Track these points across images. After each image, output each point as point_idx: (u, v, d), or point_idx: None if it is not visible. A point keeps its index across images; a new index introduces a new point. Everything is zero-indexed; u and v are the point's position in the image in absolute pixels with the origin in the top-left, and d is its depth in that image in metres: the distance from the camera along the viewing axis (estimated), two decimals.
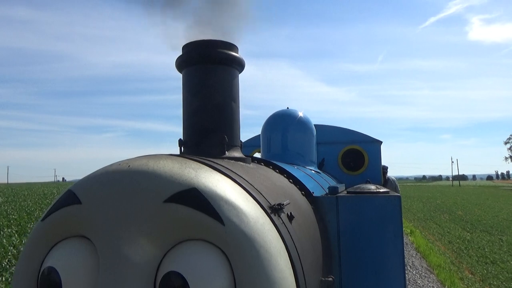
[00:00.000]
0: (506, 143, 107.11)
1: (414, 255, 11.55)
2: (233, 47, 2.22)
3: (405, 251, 11.89)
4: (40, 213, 17.16)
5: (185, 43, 2.22)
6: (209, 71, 2.14)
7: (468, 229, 17.09)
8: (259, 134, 4.53)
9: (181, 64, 2.20)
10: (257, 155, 5.01)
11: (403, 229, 16.27)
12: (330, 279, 1.98)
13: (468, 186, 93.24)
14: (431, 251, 11.91)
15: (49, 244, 1.50)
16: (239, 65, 2.25)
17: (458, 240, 14.25)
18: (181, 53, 2.22)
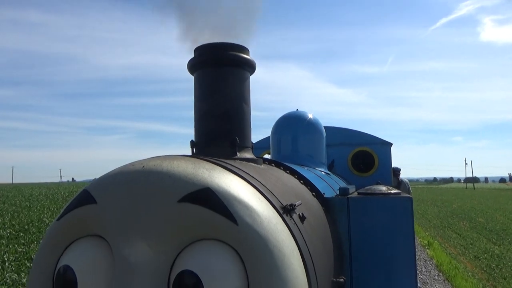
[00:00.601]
0: None
1: (436, 276, 9.45)
2: (244, 49, 2.23)
3: (425, 271, 9.17)
4: None
5: (196, 46, 2.23)
6: (220, 73, 2.17)
7: (494, 240, 14.99)
8: (269, 136, 4.50)
9: (193, 66, 2.22)
10: (267, 156, 4.84)
11: (419, 240, 13.25)
12: (342, 279, 1.98)
13: (483, 189, 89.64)
14: (457, 270, 9.79)
15: (64, 243, 1.52)
16: (250, 67, 2.26)
17: (485, 255, 12.16)
18: (192, 56, 2.24)
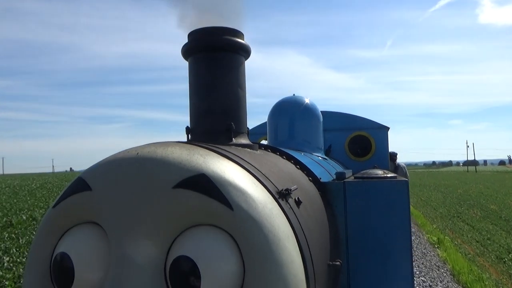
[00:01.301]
0: None
1: None
2: (238, 33, 2.21)
3: (440, 286, 7.43)
4: None
5: (190, 30, 2.21)
6: (215, 59, 2.15)
7: None
8: (266, 122, 4.47)
9: (186, 52, 2.20)
10: (264, 142, 4.73)
11: (427, 236, 11.98)
12: (338, 263, 2.01)
13: (485, 172, 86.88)
14: (479, 279, 7.40)
15: (60, 230, 1.53)
16: (245, 51, 2.24)
17: (510, 255, 9.73)
18: (186, 41, 2.22)
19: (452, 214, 17.08)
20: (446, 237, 11.74)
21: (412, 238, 7.93)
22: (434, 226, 13.73)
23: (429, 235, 11.93)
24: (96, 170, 1.52)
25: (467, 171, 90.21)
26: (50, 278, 1.50)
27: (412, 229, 11.62)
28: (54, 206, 1.55)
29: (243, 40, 2.22)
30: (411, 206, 17.82)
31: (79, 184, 1.50)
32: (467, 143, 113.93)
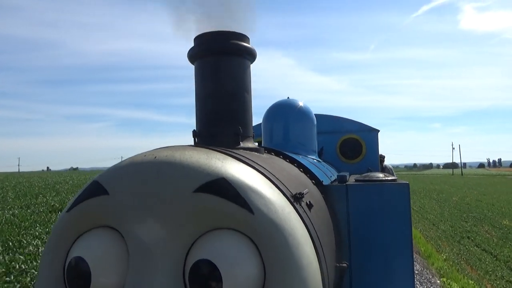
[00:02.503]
0: None
1: None
2: (244, 37, 2.20)
3: None
4: None
5: (196, 34, 2.21)
6: (221, 62, 2.14)
7: None
8: (259, 124, 4.50)
9: (193, 56, 2.19)
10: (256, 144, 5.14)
11: (434, 271, 9.11)
12: (345, 264, 2.04)
13: (471, 175, 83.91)
14: None
15: (75, 234, 1.51)
16: (251, 55, 2.24)
17: None
18: (192, 45, 2.21)
19: (459, 233, 13.34)
20: (454, 270, 8.10)
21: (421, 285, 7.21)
22: (444, 256, 9.84)
23: (437, 270, 8.15)
24: (113, 174, 1.51)
25: (452, 174, 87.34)
26: (64, 283, 1.48)
27: (416, 264, 8.66)
28: (68, 210, 1.53)
29: (249, 43, 2.22)
30: None
31: (95, 188, 1.48)
32: (452, 145, 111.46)
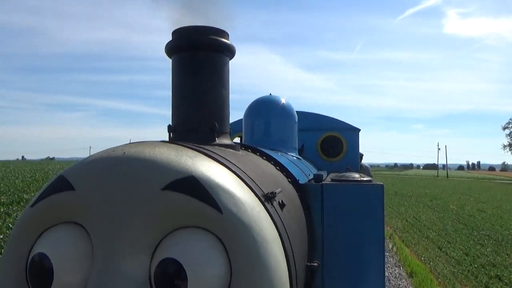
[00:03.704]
0: (505, 128, 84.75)
1: None
2: (223, 33, 2.19)
3: None
4: None
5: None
6: (199, 58, 2.12)
7: None
8: (240, 119, 4.52)
9: (170, 50, 2.17)
10: (237, 140, 4.93)
11: None
12: (315, 264, 2.05)
13: (456, 178, 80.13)
14: None
15: (38, 230, 1.49)
16: (230, 51, 2.23)
17: None
18: (170, 39, 2.20)
19: (481, 268, 9.48)
20: None
21: None
22: None
23: None
24: (80, 169, 1.48)
25: (437, 176, 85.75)
26: (26, 279, 1.45)
27: None
28: (32, 205, 1.50)
29: (228, 40, 2.20)
30: (405, 247, 10.92)
31: (61, 183, 1.45)
32: (438, 145, 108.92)
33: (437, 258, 10.45)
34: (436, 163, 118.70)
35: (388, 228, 14.54)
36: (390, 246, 11.43)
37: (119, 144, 1.63)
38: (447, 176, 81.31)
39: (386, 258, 8.37)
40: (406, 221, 16.52)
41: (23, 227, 1.48)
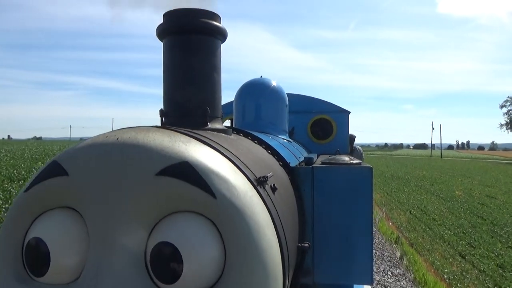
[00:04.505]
0: (502, 106, 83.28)
1: None
2: (215, 16, 2.17)
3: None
4: None
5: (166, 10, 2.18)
6: (190, 41, 2.12)
7: None
8: (231, 102, 4.57)
9: (161, 33, 2.15)
10: (227, 122, 5.00)
11: None
12: (306, 245, 2.09)
13: (450, 158, 78.17)
14: None
15: (33, 215, 1.50)
16: (222, 35, 2.22)
17: None
18: (161, 21, 2.17)
19: None
20: None
21: None
22: None
23: None
24: (73, 154, 1.48)
25: (431, 156, 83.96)
26: (23, 263, 1.46)
27: None
28: (26, 190, 1.50)
29: (220, 23, 2.19)
30: (417, 255, 8.99)
31: (54, 168, 1.46)
32: (432, 125, 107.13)
33: (465, 274, 7.76)
34: (430, 142, 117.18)
35: (391, 224, 11.93)
36: (398, 255, 8.71)
37: (107, 124, 1.70)
38: (441, 156, 79.59)
39: (396, 277, 7.35)
40: (410, 213, 13.94)
41: (18, 212, 1.50)
